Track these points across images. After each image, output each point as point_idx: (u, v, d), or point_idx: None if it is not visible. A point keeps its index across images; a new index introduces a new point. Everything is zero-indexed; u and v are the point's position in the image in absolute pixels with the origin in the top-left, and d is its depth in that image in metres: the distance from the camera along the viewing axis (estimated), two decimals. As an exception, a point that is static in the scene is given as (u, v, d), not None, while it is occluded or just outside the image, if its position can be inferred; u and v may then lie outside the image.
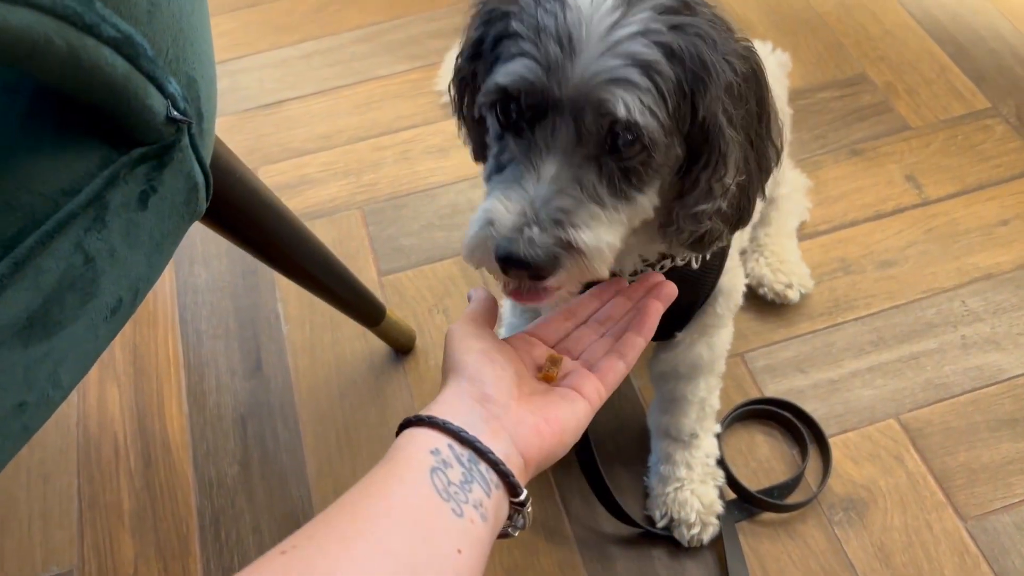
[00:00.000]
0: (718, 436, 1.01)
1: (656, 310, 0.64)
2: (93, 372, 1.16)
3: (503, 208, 0.53)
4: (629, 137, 0.52)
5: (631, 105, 0.50)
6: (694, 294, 0.84)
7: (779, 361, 1.12)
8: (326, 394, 1.13)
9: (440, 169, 1.36)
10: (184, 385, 1.15)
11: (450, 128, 1.42)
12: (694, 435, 0.98)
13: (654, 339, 0.91)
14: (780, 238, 1.19)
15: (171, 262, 1.27)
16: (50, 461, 1.09)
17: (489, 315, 0.62)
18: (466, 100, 0.64)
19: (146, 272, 0.61)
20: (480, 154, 0.67)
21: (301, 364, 1.16)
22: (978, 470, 1.02)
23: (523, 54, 0.52)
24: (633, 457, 1.05)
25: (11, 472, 1.07)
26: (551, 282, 0.55)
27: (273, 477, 1.06)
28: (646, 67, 0.50)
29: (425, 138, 1.41)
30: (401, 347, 1.15)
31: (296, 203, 1.33)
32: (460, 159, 1.37)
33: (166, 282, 1.25)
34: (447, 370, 0.58)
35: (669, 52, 0.51)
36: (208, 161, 0.66)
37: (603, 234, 0.55)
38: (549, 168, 0.53)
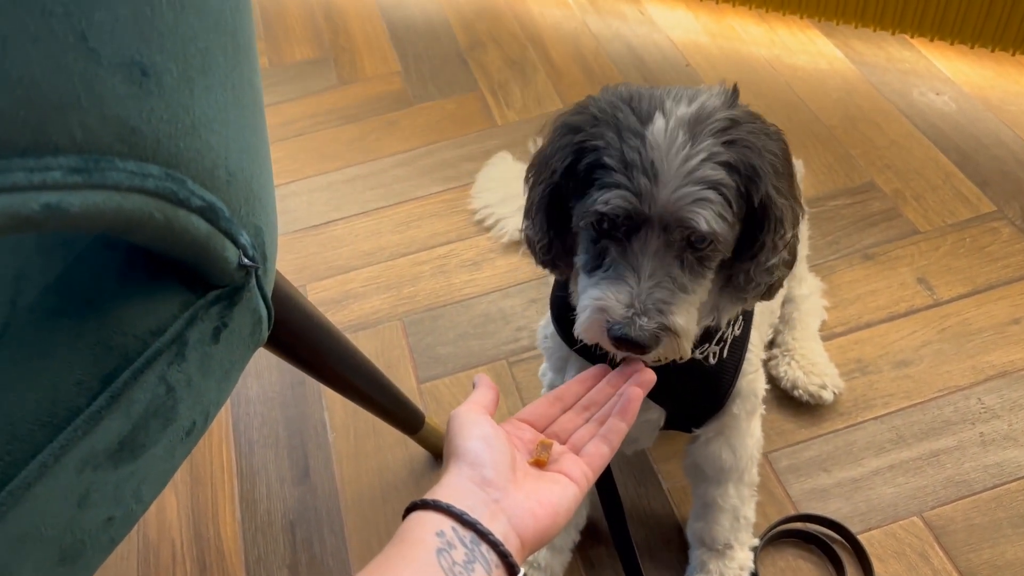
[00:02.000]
0: (755, 550, 1.04)
1: (637, 396, 0.71)
2: (153, 481, 1.24)
3: (614, 300, 0.68)
4: (705, 240, 0.67)
5: (709, 219, 0.65)
6: (710, 389, 0.89)
7: (802, 461, 1.16)
8: (370, 499, 1.19)
9: (473, 281, 1.46)
10: (237, 492, 1.22)
11: (483, 243, 1.52)
12: (728, 545, 1.01)
13: (672, 428, 0.98)
14: (807, 341, 1.25)
15: (226, 375, 1.36)
16: (111, 566, 1.16)
17: (491, 403, 0.70)
18: (547, 201, 0.75)
19: (216, 396, 0.70)
20: (552, 258, 0.79)
21: (346, 471, 1.23)
22: (1003, 567, 1.04)
23: (618, 185, 0.66)
24: (665, 563, 1.09)
25: (76, 578, 1.14)
26: (650, 356, 0.71)
27: (320, 581, 1.12)
28: (715, 185, 0.65)
29: (459, 252, 1.51)
30: (439, 452, 1.22)
31: (342, 316, 1.43)
32: (492, 271, 1.47)
33: (221, 394, 1.34)
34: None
35: (729, 167, 0.65)
36: (270, 295, 0.75)
37: (688, 317, 0.70)
38: (646, 269, 0.67)
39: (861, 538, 1.07)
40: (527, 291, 1.43)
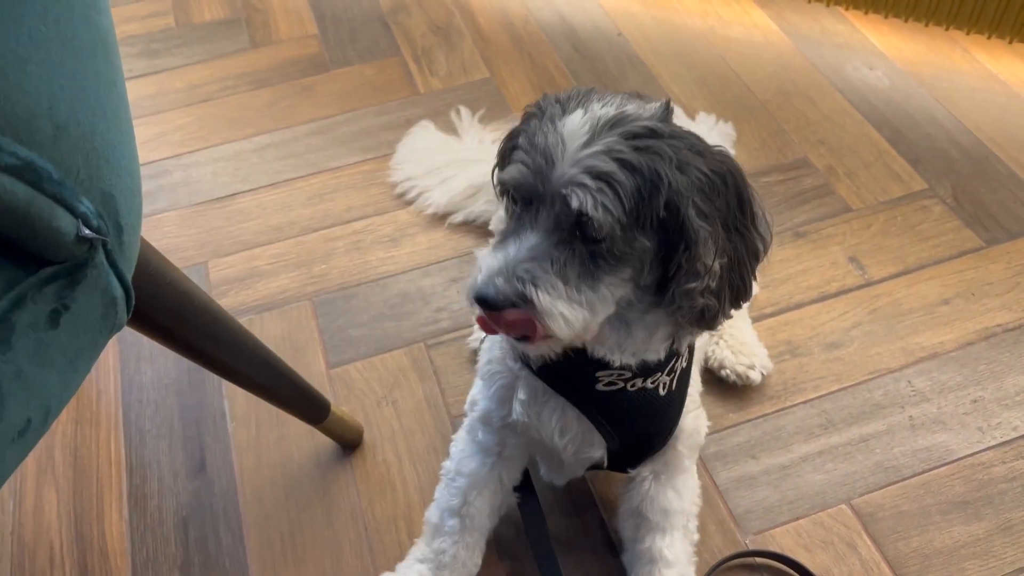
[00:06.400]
0: None
1: None
2: (30, 476, 1.13)
3: (489, 262, 0.70)
4: (594, 227, 0.66)
5: (584, 200, 0.66)
6: (660, 422, 0.88)
7: (730, 447, 1.11)
8: (271, 494, 1.10)
9: (391, 259, 1.37)
10: (125, 488, 1.12)
11: (402, 217, 1.43)
12: None
13: (612, 469, 0.93)
14: (736, 321, 1.20)
15: (115, 360, 1.25)
16: (-20, 573, 1.05)
17: None
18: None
19: (58, 390, 0.60)
20: None
21: (246, 463, 1.13)
22: (931, 555, 1.01)
23: (521, 161, 0.70)
24: None
25: (-61, 587, 1.03)
26: (508, 316, 0.70)
27: (214, 584, 1.03)
28: (603, 176, 0.66)
29: (376, 228, 1.42)
30: (348, 443, 1.13)
31: (245, 296, 1.32)
32: (411, 248, 1.38)
33: (111, 380, 1.23)
34: None
35: (627, 166, 0.66)
36: (130, 273, 0.65)
37: (560, 304, 0.69)
38: (528, 240, 0.69)
39: (788, 527, 1.03)
40: (448, 269, 1.35)
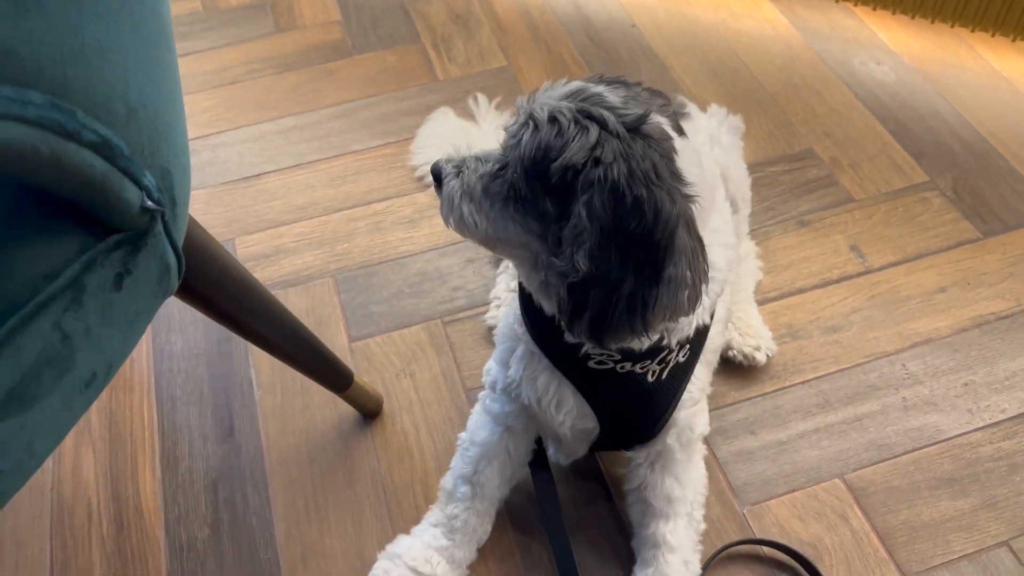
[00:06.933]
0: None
1: None
2: (69, 438, 1.20)
3: (459, 156, 0.84)
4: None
5: (512, 129, 0.77)
6: (645, 408, 0.92)
7: (730, 423, 1.17)
8: (295, 459, 1.17)
9: (410, 239, 1.43)
10: (158, 450, 1.18)
11: (421, 200, 1.49)
12: None
13: (605, 448, 1.00)
14: (742, 304, 1.25)
15: (148, 331, 1.32)
16: (23, 528, 1.11)
17: None
18: None
19: (120, 347, 0.66)
20: None
21: (272, 430, 1.20)
22: (919, 527, 1.06)
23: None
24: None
25: (-16, 538, 1.10)
26: (442, 191, 0.83)
27: (242, 541, 1.09)
28: (533, 118, 0.74)
29: (396, 209, 1.47)
30: (369, 412, 1.19)
31: (271, 272, 1.38)
32: (429, 229, 1.44)
33: (143, 350, 1.30)
34: None
35: (554, 121, 0.73)
36: (180, 243, 0.71)
37: (465, 202, 0.81)
38: (491, 157, 0.80)
39: (783, 499, 1.09)
40: (464, 251, 1.41)
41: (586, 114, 0.72)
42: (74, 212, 0.60)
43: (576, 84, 0.76)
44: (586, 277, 0.71)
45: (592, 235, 0.70)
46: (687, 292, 0.72)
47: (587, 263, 0.70)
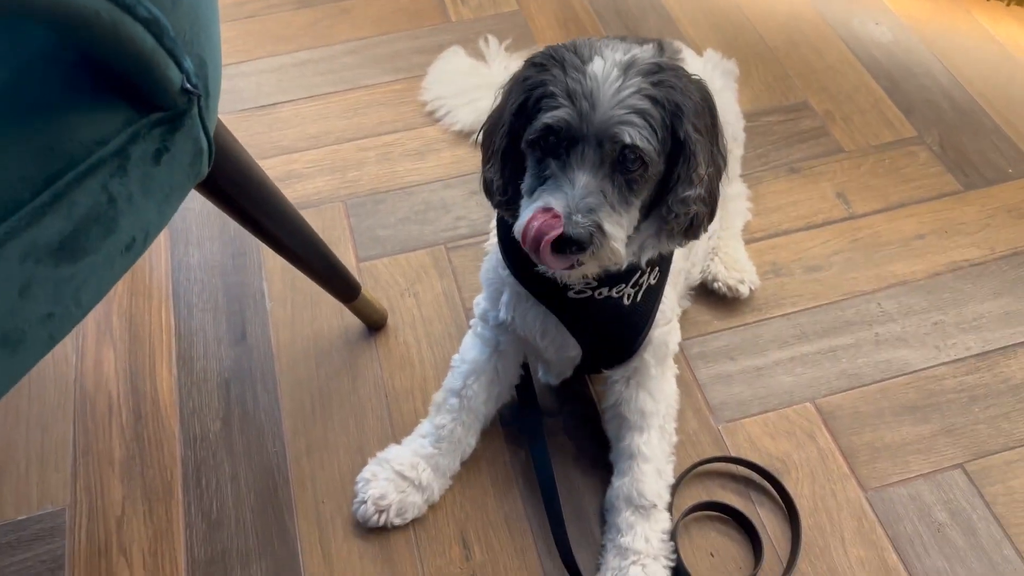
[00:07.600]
0: (673, 487, 1.07)
1: None
2: (90, 336, 1.28)
3: (552, 202, 0.79)
4: (632, 157, 0.79)
5: (634, 136, 0.78)
6: (623, 330, 1.00)
7: (711, 349, 1.25)
8: (304, 364, 1.24)
9: (417, 170, 1.49)
10: (175, 351, 1.26)
11: (429, 134, 1.55)
12: (653, 505, 1.03)
13: (585, 372, 1.08)
14: (730, 240, 1.32)
15: (166, 242, 1.39)
16: (48, 413, 1.20)
17: None
18: (504, 143, 0.87)
19: (156, 218, 0.74)
20: (506, 200, 0.89)
21: (282, 337, 1.27)
22: (880, 449, 1.14)
23: (562, 107, 0.78)
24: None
25: (11, 422, 1.18)
26: (589, 266, 0.82)
27: (252, 434, 1.17)
28: (641, 112, 0.78)
29: (405, 142, 1.54)
30: (374, 324, 1.27)
31: (285, 194, 1.45)
32: (436, 162, 1.50)
33: (162, 260, 1.37)
34: None
35: (654, 100, 0.79)
36: (212, 131, 0.79)
37: (615, 228, 0.80)
38: (581, 180, 0.79)
39: (756, 419, 1.17)
40: (469, 183, 1.47)
41: (653, 74, 0.80)
42: (123, 89, 0.67)
43: (603, 64, 0.79)
44: (709, 180, 0.84)
45: (704, 146, 0.82)
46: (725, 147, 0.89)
47: (708, 168, 0.83)
